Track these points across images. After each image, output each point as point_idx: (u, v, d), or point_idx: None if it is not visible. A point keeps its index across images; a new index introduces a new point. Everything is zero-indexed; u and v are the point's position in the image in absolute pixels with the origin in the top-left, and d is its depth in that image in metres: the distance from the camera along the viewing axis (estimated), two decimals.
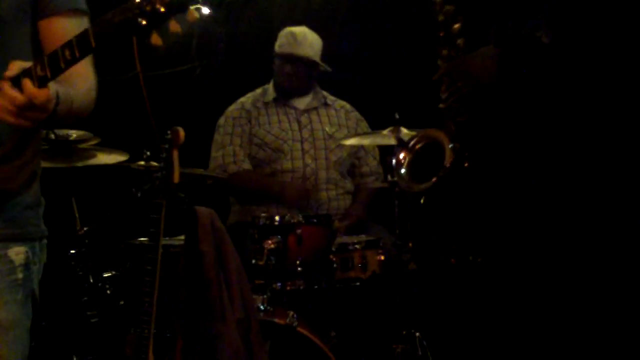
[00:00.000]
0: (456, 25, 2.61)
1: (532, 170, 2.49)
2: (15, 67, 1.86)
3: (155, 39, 1.85)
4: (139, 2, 1.74)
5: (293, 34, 4.27)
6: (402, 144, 3.12)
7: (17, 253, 2.07)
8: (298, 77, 4.29)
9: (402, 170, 2.93)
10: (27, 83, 1.83)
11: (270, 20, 5.18)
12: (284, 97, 4.34)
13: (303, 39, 4.25)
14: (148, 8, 1.74)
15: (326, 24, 4.70)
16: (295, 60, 4.24)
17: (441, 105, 2.63)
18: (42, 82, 1.85)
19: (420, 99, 4.57)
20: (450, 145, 2.71)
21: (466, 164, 2.64)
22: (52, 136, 3.56)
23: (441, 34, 2.64)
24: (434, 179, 2.74)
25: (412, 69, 4.76)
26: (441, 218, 2.88)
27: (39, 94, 1.83)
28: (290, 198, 4.09)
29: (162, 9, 1.74)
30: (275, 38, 4.40)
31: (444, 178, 2.71)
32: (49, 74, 1.85)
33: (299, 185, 4.20)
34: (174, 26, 1.81)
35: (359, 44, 4.89)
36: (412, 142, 2.93)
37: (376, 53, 4.93)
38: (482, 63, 2.52)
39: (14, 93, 1.83)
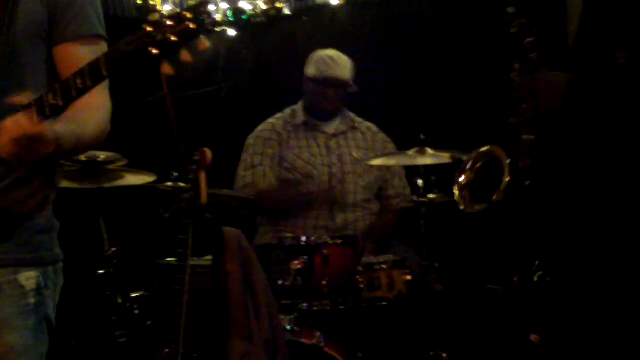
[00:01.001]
0: (529, 39, 2.60)
1: (598, 194, 2.48)
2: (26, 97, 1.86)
3: (185, 56, 1.85)
4: (150, 31, 1.75)
5: (330, 57, 4.25)
6: (459, 164, 3.11)
7: (28, 278, 2.05)
8: (336, 99, 4.31)
9: (464, 192, 2.93)
10: (22, 118, 1.82)
11: (295, 41, 5.22)
12: (315, 120, 4.34)
13: (340, 62, 4.25)
14: (159, 37, 1.75)
15: (350, 44, 4.72)
16: (336, 83, 4.25)
17: (512, 120, 2.61)
18: (54, 111, 1.85)
19: (444, 119, 4.61)
20: (508, 161, 2.71)
21: (527, 183, 2.63)
22: (82, 158, 3.59)
23: (513, 46, 2.63)
24: (495, 197, 2.74)
25: (436, 89, 4.78)
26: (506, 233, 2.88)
27: (33, 129, 1.81)
28: (317, 197, 4.13)
29: (173, 38, 1.76)
30: (300, 58, 4.41)
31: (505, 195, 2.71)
32: (61, 103, 1.85)
33: (325, 189, 4.22)
34: (185, 56, 1.81)
35: (383, 65, 4.90)
36: (471, 162, 2.93)
37: (400, 73, 4.94)
38: (549, 89, 2.52)
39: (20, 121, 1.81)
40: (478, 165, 2.93)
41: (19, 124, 1.82)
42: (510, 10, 2.61)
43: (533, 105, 2.53)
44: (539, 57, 2.57)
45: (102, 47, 2.10)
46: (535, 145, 2.58)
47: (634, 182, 2.42)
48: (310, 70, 4.29)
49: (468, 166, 2.95)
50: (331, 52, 4.29)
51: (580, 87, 2.45)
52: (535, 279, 2.57)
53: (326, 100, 4.28)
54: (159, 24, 1.75)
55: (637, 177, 2.41)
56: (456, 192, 2.95)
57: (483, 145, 2.95)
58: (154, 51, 1.75)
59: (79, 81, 1.83)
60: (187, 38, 1.76)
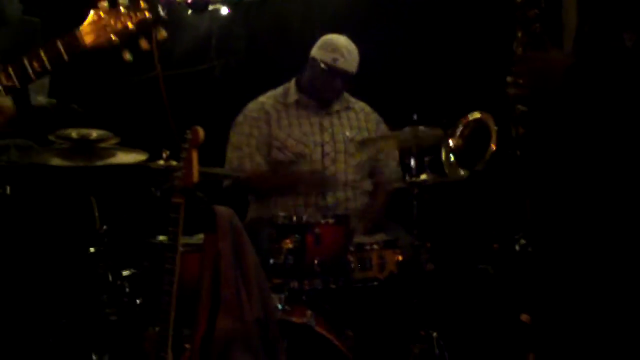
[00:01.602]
0: (533, 10, 2.59)
1: (590, 171, 2.48)
2: None
3: (144, 44, 1.95)
4: (109, 21, 1.87)
5: (347, 49, 4.20)
6: (447, 131, 3.12)
7: None
8: (340, 89, 4.31)
9: (451, 156, 2.94)
10: None
11: (288, 19, 5.20)
12: (310, 100, 4.32)
13: (352, 53, 4.22)
14: (119, 26, 1.78)
15: (344, 22, 4.70)
16: (343, 75, 4.23)
17: (508, 91, 2.61)
18: (9, 92, 1.92)
19: (440, 95, 4.61)
20: (495, 129, 2.71)
21: (518, 152, 2.63)
22: (73, 135, 3.58)
23: (517, 15, 2.62)
24: (481, 163, 2.74)
25: (432, 65, 4.78)
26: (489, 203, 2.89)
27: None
28: (305, 182, 4.10)
29: (132, 27, 1.79)
30: (293, 37, 4.40)
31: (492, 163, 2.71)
32: (18, 85, 1.88)
33: (314, 171, 4.20)
34: (144, 44, 1.85)
35: (375, 44, 4.89)
36: (461, 128, 2.93)
37: (395, 51, 4.93)
38: (547, 69, 2.51)
39: None
40: (467, 131, 2.94)
41: None
42: None
43: (529, 82, 2.52)
44: (542, 29, 2.56)
45: None
46: (529, 116, 2.58)
47: (630, 164, 2.41)
48: (320, 53, 4.23)
49: (457, 132, 2.96)
50: (344, 41, 4.23)
51: (580, 74, 2.44)
52: (517, 248, 2.57)
53: (331, 90, 4.27)
54: (116, 13, 1.82)
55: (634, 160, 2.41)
56: (443, 155, 2.97)
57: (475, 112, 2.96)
58: (114, 39, 1.79)
59: (35, 64, 1.86)
60: (145, 28, 1.88)
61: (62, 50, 1.88)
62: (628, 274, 2.40)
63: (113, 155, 3.73)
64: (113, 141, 3.75)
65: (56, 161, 3.63)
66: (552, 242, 2.58)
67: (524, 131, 2.60)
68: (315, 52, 4.25)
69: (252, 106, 4.36)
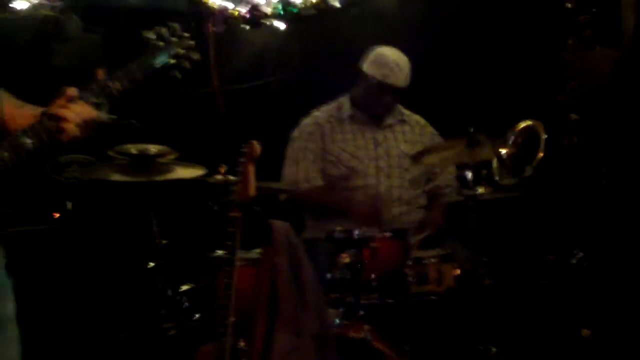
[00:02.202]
0: (585, 16, 2.57)
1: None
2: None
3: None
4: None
5: (396, 63, 4.19)
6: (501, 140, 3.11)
7: None
8: (392, 104, 4.30)
9: (502, 164, 2.93)
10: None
11: (343, 33, 5.21)
12: (364, 114, 4.32)
13: (403, 69, 4.20)
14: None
15: (399, 36, 4.70)
16: (395, 91, 4.23)
17: (560, 98, 2.59)
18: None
19: (494, 106, 4.58)
20: (544, 137, 2.69)
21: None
22: (133, 151, 3.63)
23: (568, 22, 2.60)
24: (526, 171, 2.73)
25: (481, 79, 4.75)
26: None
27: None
28: (360, 216, 4.03)
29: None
30: (349, 51, 4.40)
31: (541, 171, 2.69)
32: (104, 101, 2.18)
33: (370, 203, 4.14)
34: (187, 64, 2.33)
35: (428, 56, 4.89)
36: (514, 137, 2.93)
37: (445, 65, 4.92)
38: (596, 66, 2.48)
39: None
40: (520, 140, 2.93)
41: (83, 109, 2.11)
42: None
43: (580, 82, 2.49)
44: (593, 34, 2.53)
45: None
46: (583, 124, 2.55)
47: None
48: (371, 69, 4.23)
49: (510, 140, 2.95)
50: (396, 56, 4.23)
51: (629, 66, 2.40)
52: (574, 261, 2.54)
53: (381, 105, 4.27)
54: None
55: None
56: (495, 163, 2.96)
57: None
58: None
59: (117, 84, 2.21)
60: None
61: (137, 72, 2.21)
62: None
63: (171, 170, 3.77)
64: (171, 156, 3.79)
65: (116, 177, 3.69)
66: (612, 255, 2.54)
67: (578, 140, 2.57)
68: (366, 67, 4.25)
69: (306, 121, 4.37)
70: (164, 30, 2.31)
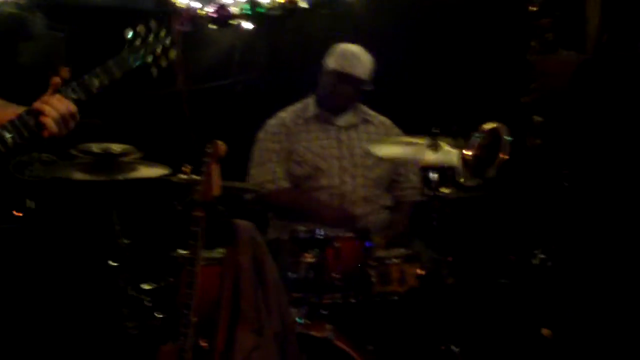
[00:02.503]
0: (547, 19, 2.59)
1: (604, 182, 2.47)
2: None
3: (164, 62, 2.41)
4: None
5: (352, 54, 4.24)
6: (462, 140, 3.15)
7: None
8: (350, 95, 4.30)
9: (467, 167, 2.96)
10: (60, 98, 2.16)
11: (310, 34, 5.22)
12: (327, 113, 4.34)
13: (361, 59, 4.24)
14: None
15: (367, 37, 4.71)
16: (353, 81, 4.24)
17: (523, 99, 2.61)
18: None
19: (460, 108, 4.61)
20: (508, 139, 2.72)
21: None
22: (96, 150, 3.61)
23: (531, 24, 2.62)
24: (488, 173, 2.75)
25: (453, 79, 4.78)
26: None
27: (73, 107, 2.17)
28: (328, 220, 4.02)
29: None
30: (316, 51, 4.41)
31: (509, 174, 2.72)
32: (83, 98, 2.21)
33: (339, 208, 4.17)
34: (164, 62, 2.42)
35: (397, 57, 4.91)
36: (479, 139, 2.95)
37: (417, 65, 4.94)
38: (557, 69, 2.51)
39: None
40: (483, 142, 2.96)
41: (61, 103, 2.14)
42: None
43: (541, 84, 2.52)
44: (556, 37, 2.56)
45: None
46: (545, 126, 2.58)
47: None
48: (330, 62, 4.27)
49: (474, 142, 2.98)
50: (355, 48, 4.27)
51: (589, 71, 2.43)
52: (536, 261, 2.57)
53: (339, 95, 4.28)
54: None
55: None
56: (460, 166, 2.99)
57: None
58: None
59: (96, 81, 2.23)
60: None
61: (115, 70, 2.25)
62: None
63: (135, 169, 3.76)
64: (135, 155, 3.78)
65: (79, 175, 3.67)
66: (573, 255, 2.57)
67: (540, 142, 2.59)
68: (325, 61, 4.29)
69: (272, 122, 4.38)
70: (141, 29, 2.33)
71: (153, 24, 2.36)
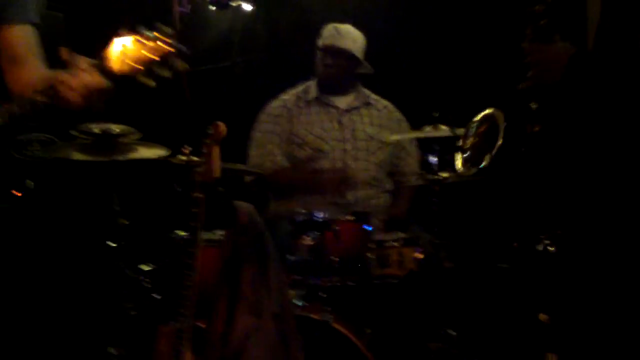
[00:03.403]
0: (540, 6, 2.59)
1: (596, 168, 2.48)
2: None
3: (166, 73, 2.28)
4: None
5: (336, 28, 4.28)
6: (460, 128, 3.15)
7: None
8: (338, 69, 4.29)
9: (465, 154, 2.96)
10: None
11: (311, 16, 5.20)
12: (325, 94, 4.34)
13: (346, 33, 4.26)
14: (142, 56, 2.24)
15: (366, 19, 4.70)
16: (337, 53, 4.24)
17: (520, 86, 2.61)
18: None
19: (460, 94, 4.60)
20: (504, 125, 2.73)
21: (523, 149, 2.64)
22: (96, 130, 3.60)
23: (526, 12, 2.62)
24: (487, 158, 2.75)
25: (451, 64, 4.77)
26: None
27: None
28: (328, 185, 4.06)
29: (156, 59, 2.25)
30: (316, 34, 4.41)
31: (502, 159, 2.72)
32: None
33: (337, 169, 4.19)
34: (166, 73, 2.29)
35: (396, 41, 4.90)
36: (475, 126, 2.96)
37: (414, 48, 4.94)
38: (552, 59, 2.51)
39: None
40: (481, 129, 2.96)
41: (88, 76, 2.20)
42: None
43: (536, 73, 2.53)
44: (550, 24, 2.56)
45: (34, 33, 2.54)
46: (543, 113, 2.58)
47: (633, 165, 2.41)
48: (319, 40, 4.30)
49: (473, 129, 2.98)
50: (343, 25, 4.29)
51: (581, 64, 2.43)
52: (540, 248, 2.58)
53: (325, 68, 4.27)
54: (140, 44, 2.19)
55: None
56: (458, 154, 2.99)
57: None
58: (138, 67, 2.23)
59: None
60: (166, 58, 2.22)
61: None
62: None
63: (135, 150, 3.74)
64: (135, 136, 3.77)
65: (78, 156, 3.65)
66: (573, 241, 2.57)
67: (539, 128, 2.59)
68: (317, 40, 4.31)
69: (273, 104, 4.38)
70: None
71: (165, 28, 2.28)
